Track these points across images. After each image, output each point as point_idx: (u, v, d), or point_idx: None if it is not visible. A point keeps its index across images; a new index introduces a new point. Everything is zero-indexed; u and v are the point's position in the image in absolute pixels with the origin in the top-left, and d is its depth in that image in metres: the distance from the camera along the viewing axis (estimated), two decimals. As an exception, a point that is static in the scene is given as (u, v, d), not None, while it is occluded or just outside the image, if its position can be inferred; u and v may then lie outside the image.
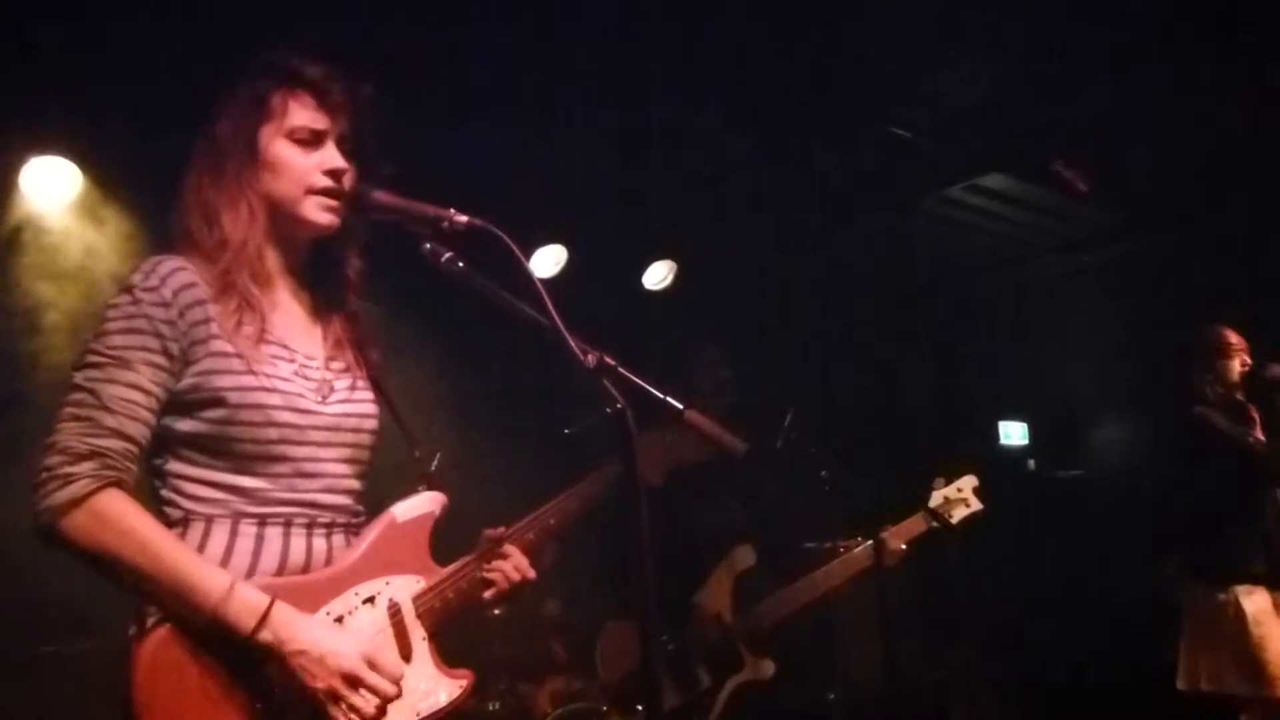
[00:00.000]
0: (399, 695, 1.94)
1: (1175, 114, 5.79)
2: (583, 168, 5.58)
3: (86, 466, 1.83)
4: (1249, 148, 5.97)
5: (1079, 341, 7.86)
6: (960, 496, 4.21)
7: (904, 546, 4.09)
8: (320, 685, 1.84)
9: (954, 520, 4.17)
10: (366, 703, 1.88)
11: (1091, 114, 5.88)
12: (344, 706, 1.85)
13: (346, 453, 2.10)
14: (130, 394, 1.89)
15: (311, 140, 2.09)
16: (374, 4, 4.22)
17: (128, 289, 1.96)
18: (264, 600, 1.84)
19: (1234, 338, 4.62)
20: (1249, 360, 4.58)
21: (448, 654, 2.15)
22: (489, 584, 2.21)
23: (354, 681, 1.87)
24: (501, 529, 2.27)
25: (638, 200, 5.93)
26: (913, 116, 5.90)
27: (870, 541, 4.05)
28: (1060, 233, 7.45)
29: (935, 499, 4.19)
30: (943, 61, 5.47)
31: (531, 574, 2.24)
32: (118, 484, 1.85)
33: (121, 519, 1.83)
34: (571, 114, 5.22)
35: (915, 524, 4.16)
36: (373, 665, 1.91)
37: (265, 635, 1.82)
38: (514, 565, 2.23)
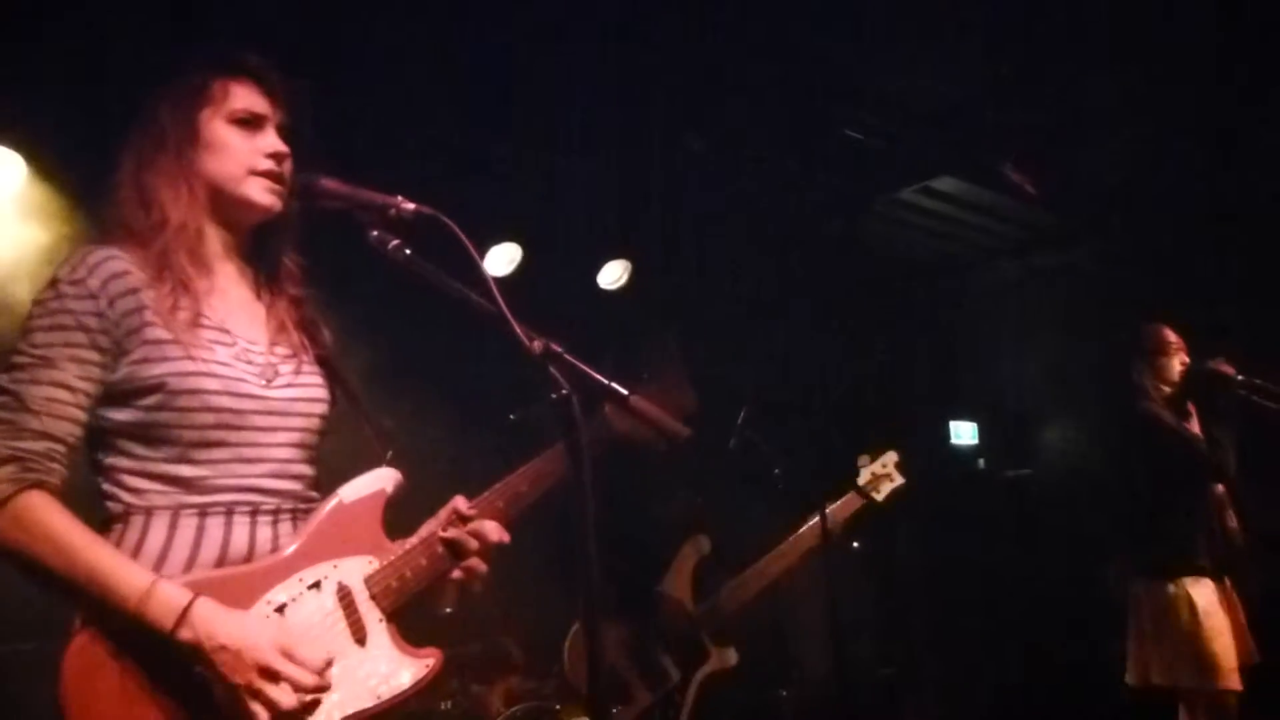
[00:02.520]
0: (325, 686, 1.90)
1: (1122, 120, 5.88)
2: (538, 166, 5.58)
3: (5, 471, 1.80)
4: (1193, 154, 6.07)
5: (1028, 343, 7.97)
6: (885, 472, 4.42)
7: (841, 522, 4.27)
8: (239, 680, 1.80)
9: (881, 496, 4.38)
10: (286, 695, 1.83)
11: (1041, 119, 5.96)
12: (262, 700, 1.81)
13: (294, 436, 2.07)
14: (55, 393, 1.86)
15: (252, 123, 2.10)
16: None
17: (53, 283, 1.93)
18: (184, 597, 1.80)
19: (1173, 336, 4.73)
20: (1187, 358, 4.69)
21: (411, 638, 2.09)
22: (455, 556, 2.12)
23: (270, 675, 1.82)
24: (469, 502, 2.19)
25: (593, 200, 5.94)
26: (865, 119, 5.95)
27: (814, 520, 4.21)
28: (1010, 236, 7.54)
29: (863, 475, 4.39)
30: (895, 65, 5.52)
31: (507, 537, 2.17)
32: (39, 485, 1.83)
33: (39, 522, 1.80)
34: (528, 113, 5.22)
35: (850, 501, 4.35)
36: (290, 656, 1.86)
37: (186, 633, 1.78)
38: (488, 529, 2.13)
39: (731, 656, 4.18)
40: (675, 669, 4.11)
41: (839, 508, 4.30)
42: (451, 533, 2.14)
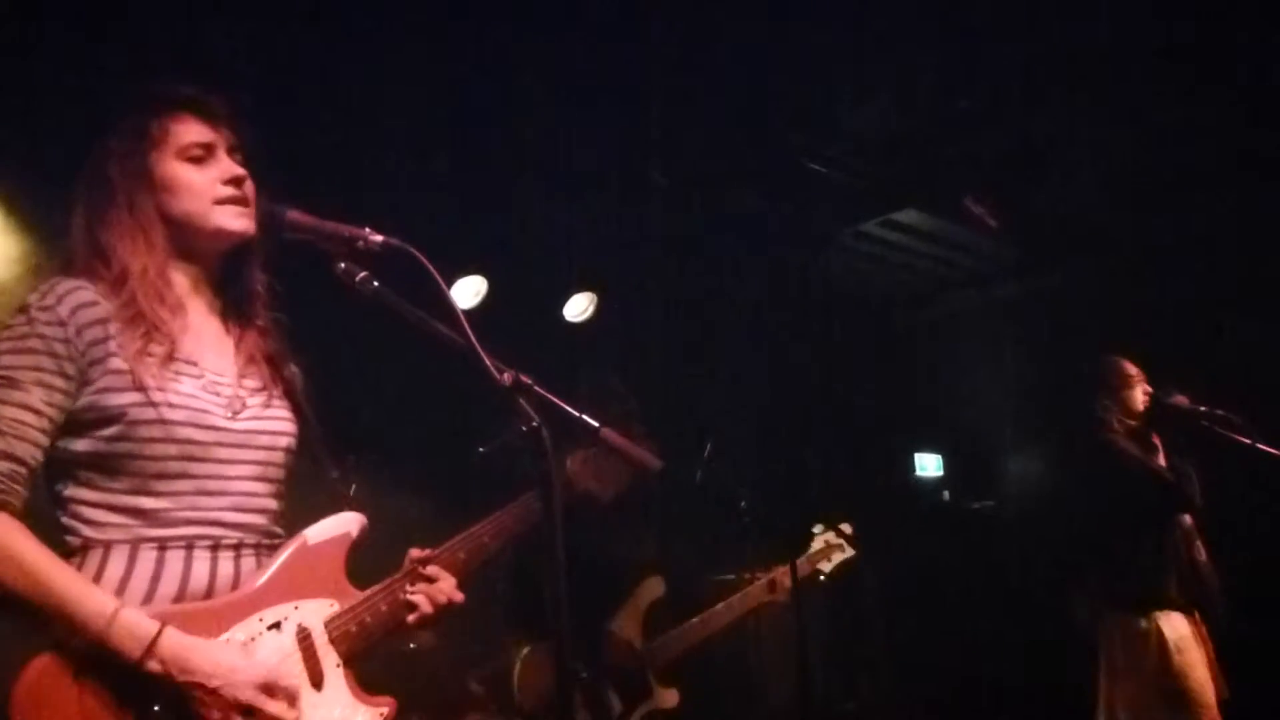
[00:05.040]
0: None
1: (1082, 150, 5.97)
2: (503, 199, 5.58)
3: None
4: (1153, 184, 6.17)
5: (991, 374, 8.03)
6: (836, 542, 4.47)
7: (786, 589, 4.28)
8: (216, 716, 1.77)
9: (829, 567, 4.44)
10: None
11: (1001, 152, 6.04)
12: None
13: (258, 470, 2.05)
14: (20, 414, 1.83)
15: (204, 155, 2.08)
16: (290, 29, 4.19)
17: (23, 309, 1.91)
18: (152, 627, 1.76)
19: (1133, 369, 4.75)
20: (1149, 390, 4.72)
21: (366, 684, 2.08)
22: (412, 607, 2.14)
23: (250, 711, 1.80)
24: (428, 550, 2.22)
25: (559, 232, 5.94)
26: (827, 152, 6.00)
27: (765, 579, 4.29)
28: (973, 267, 7.62)
29: (816, 543, 4.44)
30: (855, 98, 5.58)
31: (459, 598, 2.18)
32: (2, 507, 1.80)
33: (3, 543, 1.76)
34: (493, 145, 5.22)
35: (801, 567, 4.34)
36: (270, 690, 1.84)
37: (153, 664, 1.75)
38: (440, 589, 2.16)
39: (673, 698, 4.21)
40: (618, 703, 4.13)
41: (784, 574, 4.31)
42: (416, 590, 2.15)
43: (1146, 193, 6.21)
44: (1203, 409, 4.54)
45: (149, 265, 2.01)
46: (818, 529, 4.47)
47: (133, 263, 1.99)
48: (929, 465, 8.42)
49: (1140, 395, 4.69)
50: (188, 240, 2.08)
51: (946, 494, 8.38)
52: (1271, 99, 5.23)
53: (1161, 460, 4.57)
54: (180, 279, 2.09)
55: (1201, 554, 4.58)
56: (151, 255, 2.02)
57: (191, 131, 2.08)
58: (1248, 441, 4.41)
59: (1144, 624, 4.42)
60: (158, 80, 2.13)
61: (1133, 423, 4.68)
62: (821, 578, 4.43)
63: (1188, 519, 4.58)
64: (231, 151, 2.11)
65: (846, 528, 4.49)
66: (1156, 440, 4.62)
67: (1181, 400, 4.62)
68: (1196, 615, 4.51)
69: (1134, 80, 5.25)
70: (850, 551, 4.46)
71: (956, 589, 7.30)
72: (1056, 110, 5.57)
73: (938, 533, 7.79)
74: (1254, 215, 6.04)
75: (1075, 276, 7.16)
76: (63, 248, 2.06)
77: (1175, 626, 4.41)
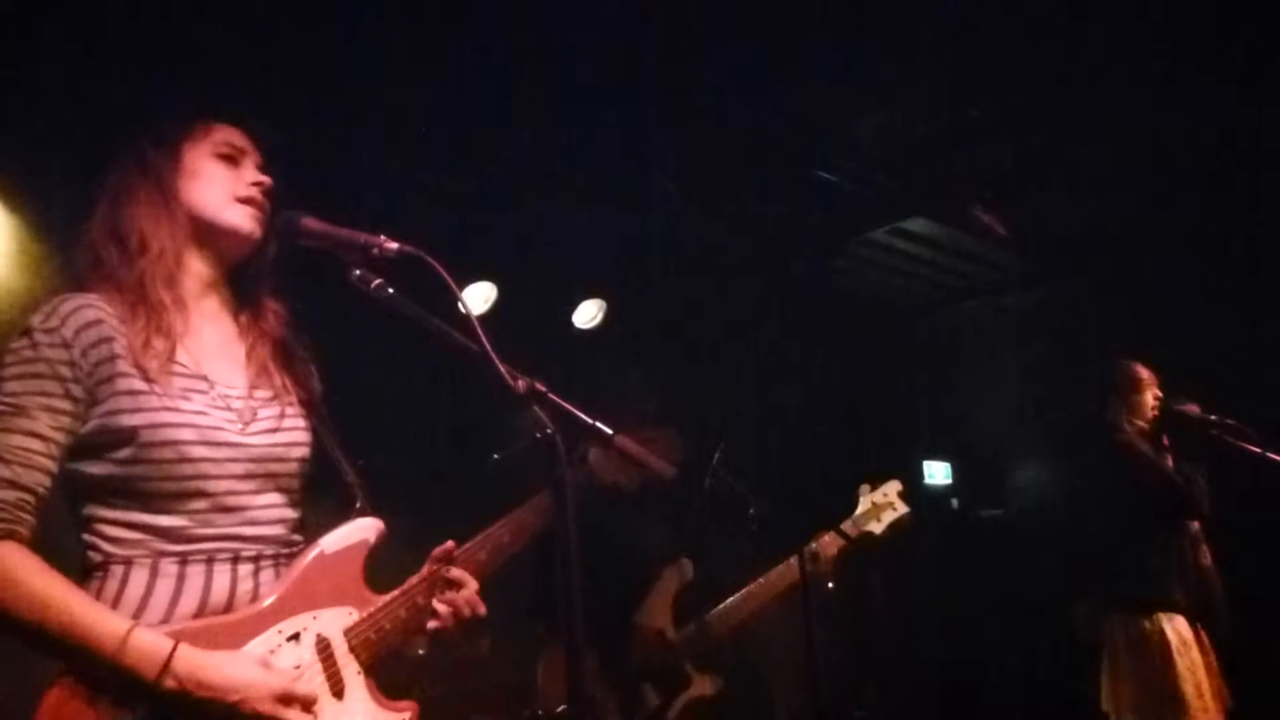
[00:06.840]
0: None
1: (1091, 160, 5.97)
2: (513, 205, 5.59)
3: None
4: (1162, 195, 6.16)
5: (1000, 383, 8.02)
6: (887, 501, 4.30)
7: (834, 553, 4.15)
8: None
9: (881, 526, 4.25)
10: None
11: (1010, 161, 6.03)
12: None
13: (273, 483, 2.05)
14: (27, 442, 1.83)
15: (235, 156, 2.14)
16: (297, 34, 4.21)
17: (26, 331, 1.90)
18: (165, 645, 1.75)
19: (1146, 373, 4.76)
20: (1160, 394, 4.72)
21: (387, 690, 2.07)
22: (432, 612, 2.13)
23: None
24: (452, 547, 2.20)
25: (569, 239, 5.95)
26: (836, 160, 6.00)
27: (806, 549, 4.09)
28: (982, 276, 7.61)
29: (863, 504, 4.29)
30: (864, 106, 5.58)
31: (481, 610, 2.16)
32: (9, 535, 1.79)
33: (10, 572, 1.75)
34: (502, 151, 5.24)
35: (849, 529, 4.22)
36: (288, 700, 1.83)
37: (170, 682, 1.73)
38: (462, 598, 2.15)
39: (710, 685, 4.15)
40: (655, 695, 4.09)
41: (832, 539, 4.18)
42: (444, 595, 2.15)
43: (1155, 201, 6.20)
44: (1213, 417, 4.54)
45: (167, 246, 2.04)
46: (864, 489, 4.32)
47: (153, 239, 2.02)
48: (937, 473, 8.40)
49: (1151, 400, 4.70)
50: (203, 232, 2.10)
51: (955, 502, 8.36)
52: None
53: (1170, 464, 4.58)
54: (194, 274, 2.10)
55: (1207, 559, 4.59)
56: (173, 235, 2.05)
57: (229, 135, 2.16)
58: (1257, 450, 4.40)
59: (1147, 625, 4.44)
60: (205, 92, 2.22)
61: (1143, 425, 4.69)
62: (875, 537, 4.23)
63: (1194, 524, 4.59)
64: (260, 169, 2.17)
65: (896, 485, 4.33)
66: (1166, 443, 4.63)
67: (1192, 408, 4.62)
68: (1199, 621, 4.51)
69: (1139, 83, 5.25)
70: (903, 509, 4.28)
71: (965, 597, 7.29)
72: (1065, 118, 5.57)
73: (946, 541, 7.78)
74: (1263, 222, 6.03)
75: (1084, 285, 7.16)
76: (81, 232, 2.08)
77: (1177, 629, 4.43)
